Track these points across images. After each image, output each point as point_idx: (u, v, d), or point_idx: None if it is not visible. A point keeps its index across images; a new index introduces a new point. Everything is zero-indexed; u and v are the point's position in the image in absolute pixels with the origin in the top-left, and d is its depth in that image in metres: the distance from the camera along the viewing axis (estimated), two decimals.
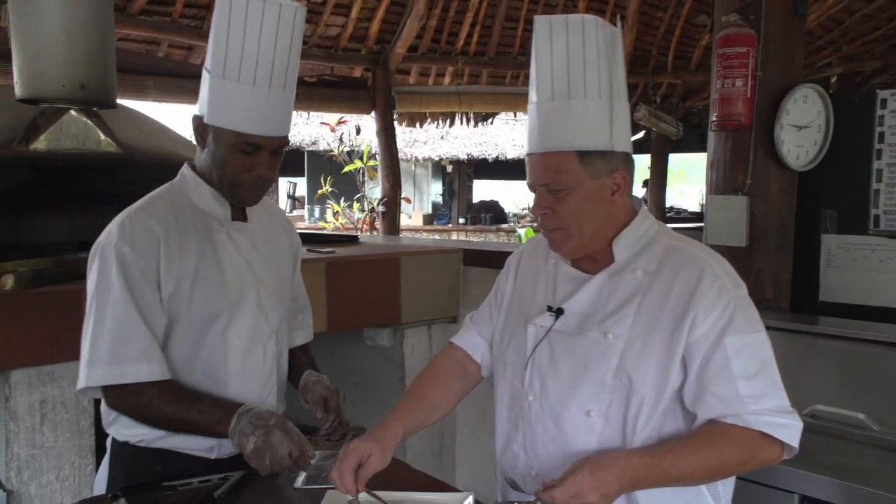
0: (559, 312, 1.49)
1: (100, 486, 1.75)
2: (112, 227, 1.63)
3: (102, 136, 2.60)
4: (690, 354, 1.38)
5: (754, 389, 1.35)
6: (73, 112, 2.54)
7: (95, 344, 1.56)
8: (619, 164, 1.44)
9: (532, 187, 1.48)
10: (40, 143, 2.49)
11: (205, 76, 1.62)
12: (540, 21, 1.44)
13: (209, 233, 1.69)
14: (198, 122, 1.65)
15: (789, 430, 1.36)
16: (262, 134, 1.60)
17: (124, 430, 1.67)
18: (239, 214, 1.74)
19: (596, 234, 1.46)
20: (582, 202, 1.42)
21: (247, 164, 1.62)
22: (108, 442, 1.75)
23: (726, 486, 1.50)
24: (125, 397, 1.59)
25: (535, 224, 1.53)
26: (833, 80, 8.59)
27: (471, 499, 1.46)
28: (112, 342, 1.55)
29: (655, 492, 1.38)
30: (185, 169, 1.75)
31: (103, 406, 1.70)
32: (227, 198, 1.70)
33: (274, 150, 1.64)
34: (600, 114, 1.41)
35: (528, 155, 1.48)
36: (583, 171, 1.41)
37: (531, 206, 1.51)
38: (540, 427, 1.49)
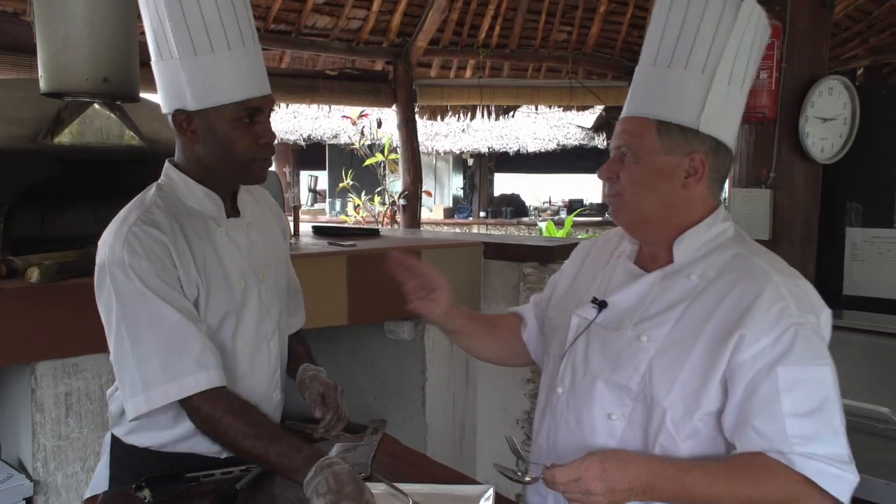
0: (602, 305, 1.42)
1: (99, 485, 1.68)
2: (114, 245, 1.50)
3: (126, 130, 2.60)
4: (733, 379, 1.25)
5: (805, 430, 1.19)
6: (96, 106, 2.54)
7: (143, 367, 1.45)
8: (703, 148, 1.32)
9: (611, 151, 1.42)
10: (64, 137, 2.49)
11: (172, 66, 1.51)
12: None
13: (208, 234, 1.61)
14: (182, 117, 1.53)
15: (841, 482, 1.19)
16: (258, 94, 1.53)
17: (133, 435, 1.62)
18: (232, 210, 1.67)
19: (658, 214, 1.36)
20: (646, 173, 1.33)
21: (253, 135, 1.54)
22: (107, 440, 1.70)
23: None
24: (201, 423, 1.49)
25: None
26: (860, 72, 8.48)
27: (491, 491, 1.45)
28: (163, 358, 1.45)
29: None
30: (168, 169, 1.64)
31: (111, 406, 1.66)
32: (239, 181, 1.64)
33: (269, 111, 1.59)
34: (696, 89, 1.31)
35: (619, 120, 1.42)
36: (657, 142, 1.32)
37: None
38: (563, 422, 1.44)
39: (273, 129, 1.61)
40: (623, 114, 1.40)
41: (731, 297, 1.27)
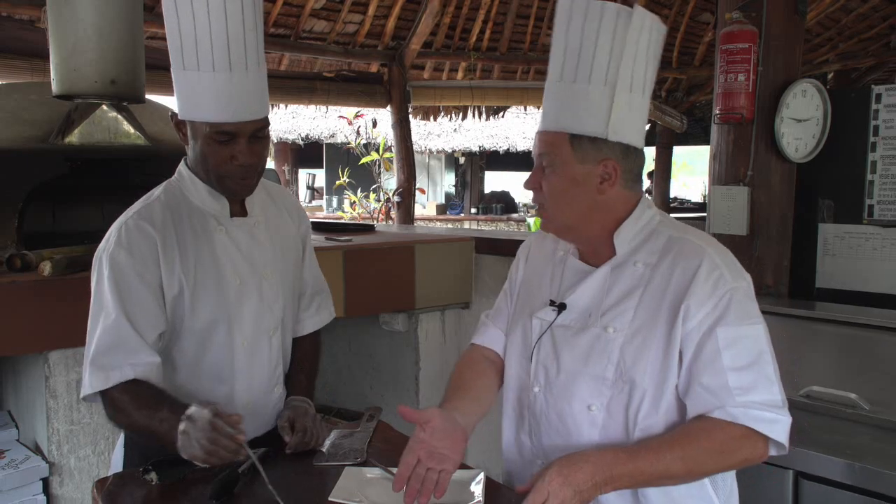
0: (561, 307, 1.48)
1: (116, 465, 1.75)
2: (110, 234, 1.59)
3: (132, 130, 2.67)
4: (684, 347, 1.35)
5: (744, 381, 1.30)
6: (104, 107, 2.61)
7: (87, 352, 1.54)
8: (613, 154, 1.40)
9: (535, 160, 1.47)
10: (74, 137, 2.56)
11: (172, 72, 1.55)
12: (562, 1, 1.41)
13: (207, 233, 1.64)
14: (175, 120, 1.59)
15: (776, 425, 1.30)
16: (233, 121, 1.51)
17: None
18: (239, 210, 1.69)
19: (579, 219, 1.43)
20: (563, 183, 1.40)
21: (226, 154, 1.54)
22: None
23: (725, 478, 1.47)
24: (107, 406, 1.55)
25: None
26: (830, 76, 8.66)
27: (482, 475, 1.46)
28: (99, 349, 1.52)
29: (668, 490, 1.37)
30: (181, 167, 1.69)
31: None
32: (219, 192, 1.64)
33: (252, 134, 1.55)
34: (600, 101, 1.37)
35: (537, 132, 1.48)
36: (571, 153, 1.39)
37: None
38: (544, 419, 1.48)
39: (259, 152, 1.59)
40: (539, 127, 1.46)
41: (675, 277, 1.37)
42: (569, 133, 1.39)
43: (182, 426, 1.41)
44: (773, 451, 1.35)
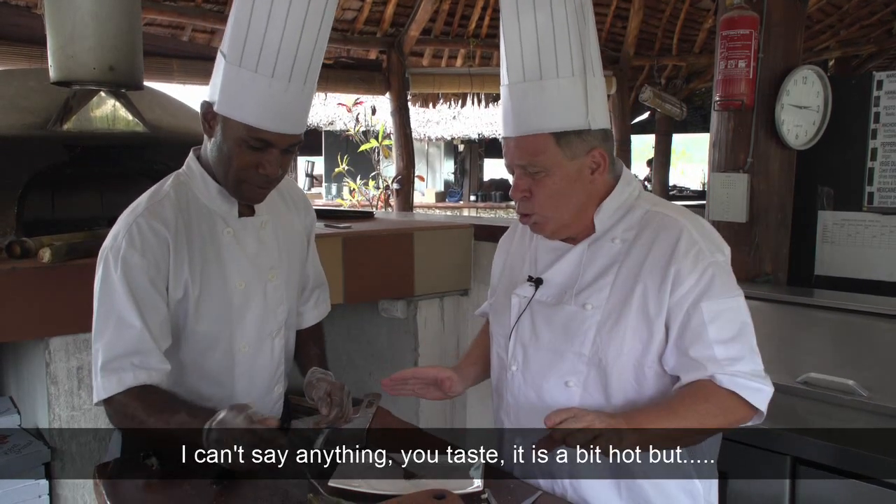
0: (538, 283, 1.48)
1: (113, 451, 1.72)
2: (119, 232, 1.52)
3: (130, 117, 2.66)
4: (670, 319, 1.37)
5: (731, 353, 1.34)
6: (102, 93, 2.60)
7: (97, 357, 1.49)
8: (597, 142, 1.39)
9: (510, 168, 1.43)
10: (72, 124, 2.55)
11: (220, 60, 1.48)
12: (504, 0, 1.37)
13: (213, 235, 1.60)
14: (207, 109, 1.51)
15: (760, 394, 1.36)
16: (275, 131, 1.46)
17: None
18: (246, 209, 1.65)
19: (577, 214, 1.43)
20: (560, 184, 1.38)
21: (254, 161, 1.49)
22: None
23: (713, 471, 1.49)
24: (114, 413, 1.50)
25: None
26: (831, 63, 8.64)
27: (480, 461, 1.46)
28: (112, 353, 1.48)
29: (651, 472, 1.41)
30: (191, 159, 1.63)
31: None
32: (231, 194, 1.59)
33: (286, 148, 1.51)
34: (575, 92, 1.35)
35: (504, 138, 1.43)
36: (560, 152, 1.37)
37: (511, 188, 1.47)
38: (522, 397, 1.50)
39: (285, 165, 1.56)
40: (509, 133, 1.41)
41: (654, 252, 1.38)
42: (552, 133, 1.36)
43: (215, 435, 1.34)
44: (754, 419, 1.39)
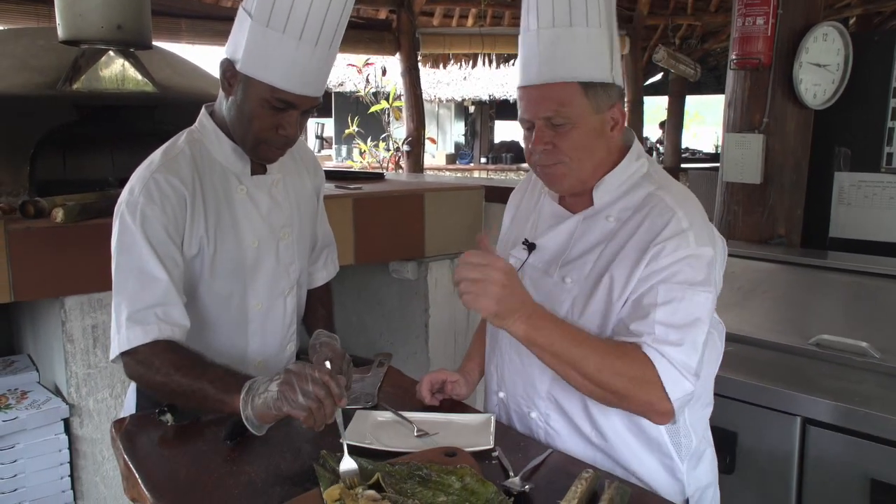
0: (532, 247, 1.48)
1: (129, 407, 1.75)
2: (135, 187, 1.51)
3: (139, 76, 2.65)
4: (635, 287, 1.31)
5: (670, 337, 1.26)
6: (111, 52, 2.59)
7: (119, 309, 1.48)
8: (618, 98, 1.36)
9: (528, 122, 1.38)
10: (81, 84, 2.55)
11: (243, 19, 1.47)
12: None
13: (227, 192, 1.60)
14: (228, 67, 1.50)
15: (678, 386, 1.25)
16: (299, 93, 1.47)
17: None
18: (258, 167, 1.65)
19: (594, 170, 1.39)
20: (585, 137, 1.34)
21: (275, 122, 1.50)
22: None
23: (690, 438, 1.44)
24: (136, 364, 1.48)
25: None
26: (851, 20, 8.42)
27: (492, 419, 1.49)
28: (137, 304, 1.47)
29: (623, 434, 1.39)
30: (203, 116, 1.63)
31: None
32: (247, 153, 1.60)
33: (305, 110, 1.52)
34: (601, 44, 1.31)
35: (524, 88, 1.37)
36: (587, 103, 1.32)
37: (528, 143, 1.41)
38: (507, 356, 1.51)
39: (302, 126, 1.56)
40: (532, 81, 1.35)
41: (638, 234, 1.34)
42: (581, 82, 1.31)
43: (283, 377, 1.33)
44: (659, 419, 1.29)
